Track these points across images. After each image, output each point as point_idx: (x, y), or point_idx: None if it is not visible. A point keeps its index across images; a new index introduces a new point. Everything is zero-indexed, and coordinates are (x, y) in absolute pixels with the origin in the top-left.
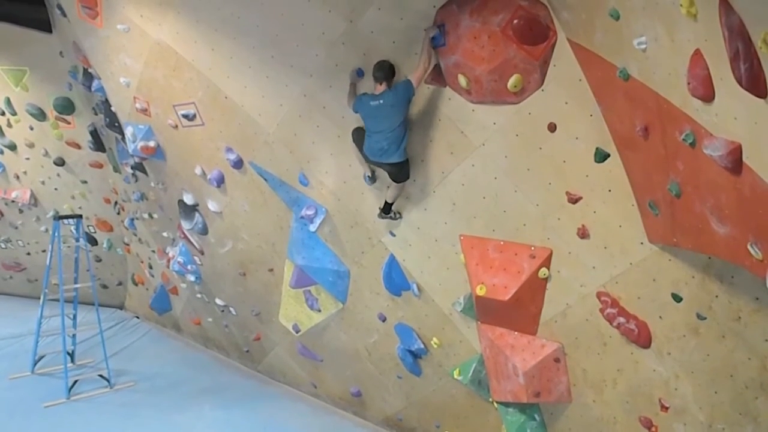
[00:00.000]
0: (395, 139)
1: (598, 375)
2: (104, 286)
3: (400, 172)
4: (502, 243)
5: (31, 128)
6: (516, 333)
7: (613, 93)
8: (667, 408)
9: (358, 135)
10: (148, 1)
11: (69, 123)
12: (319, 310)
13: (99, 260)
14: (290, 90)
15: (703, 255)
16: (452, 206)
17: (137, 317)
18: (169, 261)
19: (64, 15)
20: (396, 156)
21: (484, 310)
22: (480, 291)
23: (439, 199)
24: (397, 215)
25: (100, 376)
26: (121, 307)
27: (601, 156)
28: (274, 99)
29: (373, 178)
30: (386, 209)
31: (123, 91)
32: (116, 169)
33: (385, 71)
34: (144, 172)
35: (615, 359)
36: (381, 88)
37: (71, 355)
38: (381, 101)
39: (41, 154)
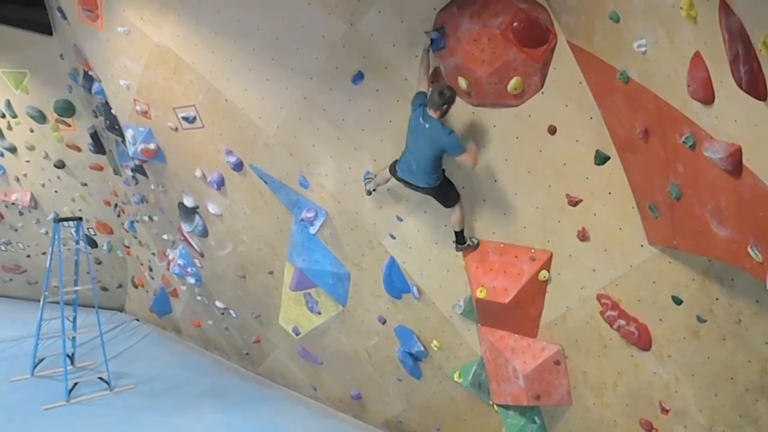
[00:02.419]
0: (425, 167)
1: (598, 378)
2: (104, 289)
3: (438, 197)
4: (502, 245)
5: (32, 131)
6: (516, 335)
7: (613, 95)
8: (667, 411)
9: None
10: (148, 4)
11: (69, 125)
12: (319, 313)
13: (99, 263)
14: (290, 92)
15: (703, 257)
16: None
17: (137, 320)
18: (169, 263)
19: (65, 17)
20: (422, 181)
21: (484, 312)
22: (480, 293)
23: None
24: (474, 241)
25: (100, 378)
26: (121, 310)
27: (601, 158)
28: (274, 101)
29: (370, 192)
30: (459, 239)
31: (123, 94)
32: (116, 172)
33: (446, 100)
34: (144, 174)
35: (615, 362)
36: (435, 114)
37: (71, 357)
38: (428, 126)
39: (41, 156)
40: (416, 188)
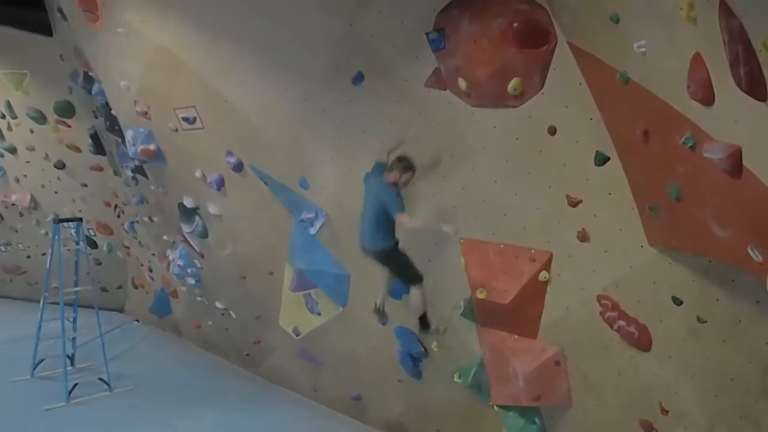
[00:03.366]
0: (370, 227)
1: (598, 378)
2: (104, 290)
3: (392, 268)
4: (502, 246)
5: (32, 132)
6: (516, 336)
7: (613, 96)
8: (667, 412)
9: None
10: (148, 5)
11: (69, 126)
12: (320, 314)
13: (99, 263)
14: (290, 94)
15: (703, 258)
16: (452, 210)
17: (137, 321)
18: (169, 264)
19: (65, 19)
20: (369, 242)
21: (484, 313)
22: (480, 294)
23: (440, 202)
24: (441, 328)
25: (100, 379)
26: (121, 311)
27: (602, 159)
28: (274, 102)
29: (382, 314)
30: (422, 324)
31: (124, 95)
32: (117, 173)
33: (401, 167)
34: (144, 175)
35: (615, 363)
36: (389, 176)
37: (71, 358)
38: (376, 184)
39: (41, 157)
40: (371, 254)
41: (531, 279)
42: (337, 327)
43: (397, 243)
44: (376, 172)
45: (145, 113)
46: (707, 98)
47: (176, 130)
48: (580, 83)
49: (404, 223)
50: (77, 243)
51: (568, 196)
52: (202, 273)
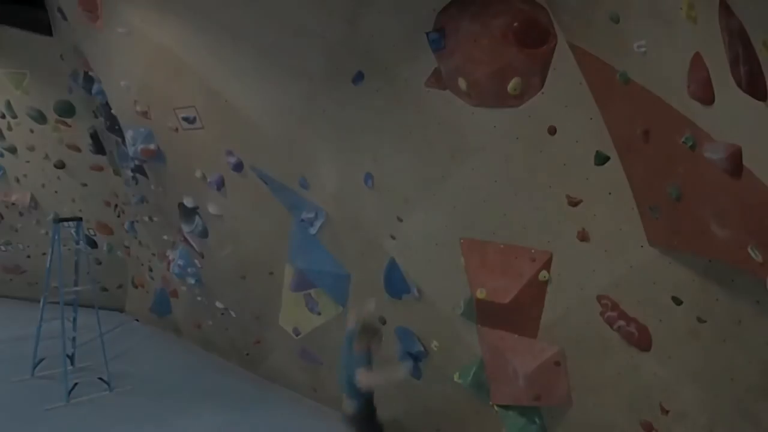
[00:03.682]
0: (350, 377)
1: (598, 378)
2: (104, 289)
3: (363, 428)
4: (502, 246)
5: (32, 131)
6: (516, 336)
7: (614, 96)
8: (667, 412)
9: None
10: (148, 5)
11: (69, 126)
12: (320, 314)
13: (99, 263)
14: (290, 94)
15: (703, 258)
16: (452, 209)
17: (137, 320)
18: (169, 264)
19: (65, 18)
20: (343, 382)
21: (484, 313)
22: (480, 294)
23: (440, 202)
24: None
25: (100, 379)
26: (121, 310)
27: (602, 159)
28: (274, 102)
29: None
30: None
31: (123, 95)
32: (117, 173)
33: (365, 335)
34: (144, 175)
35: (615, 363)
36: (358, 345)
37: (71, 358)
38: (347, 346)
39: (41, 157)
40: (348, 406)
41: (531, 279)
42: (337, 327)
43: (375, 410)
44: (348, 337)
45: (145, 113)
46: (707, 98)
47: (176, 129)
48: (580, 83)
49: (362, 381)
50: (77, 243)
51: (568, 196)
52: (202, 273)
